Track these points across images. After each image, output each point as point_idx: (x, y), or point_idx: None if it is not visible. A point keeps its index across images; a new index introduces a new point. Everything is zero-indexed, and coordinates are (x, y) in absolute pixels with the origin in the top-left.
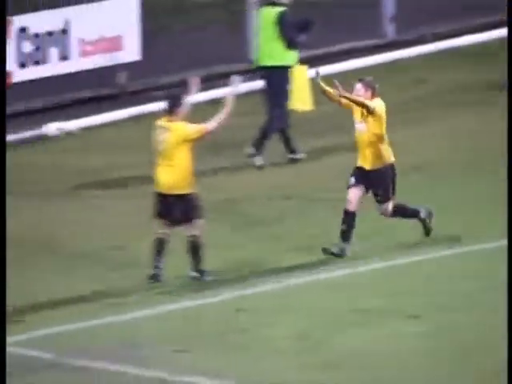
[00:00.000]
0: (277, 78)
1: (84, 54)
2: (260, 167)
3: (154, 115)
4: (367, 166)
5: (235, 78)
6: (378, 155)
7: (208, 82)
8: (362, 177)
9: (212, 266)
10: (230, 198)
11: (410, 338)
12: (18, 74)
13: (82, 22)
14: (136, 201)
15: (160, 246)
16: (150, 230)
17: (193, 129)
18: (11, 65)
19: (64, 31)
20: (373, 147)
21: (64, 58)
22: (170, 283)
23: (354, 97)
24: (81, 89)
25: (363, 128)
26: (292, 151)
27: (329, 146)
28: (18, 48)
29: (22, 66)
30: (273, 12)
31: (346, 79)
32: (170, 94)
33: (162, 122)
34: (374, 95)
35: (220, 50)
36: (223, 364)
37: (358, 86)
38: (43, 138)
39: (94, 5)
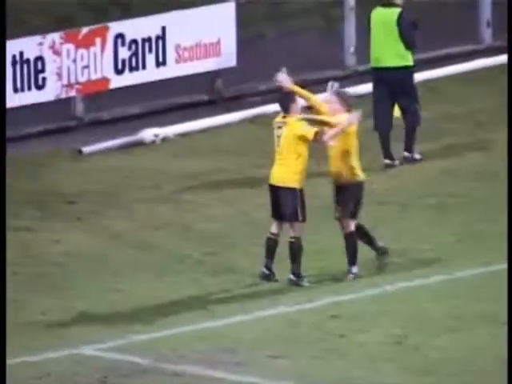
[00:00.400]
0: (404, 78)
1: (180, 60)
2: (420, 159)
3: (250, 121)
4: (339, 182)
5: (333, 84)
6: (349, 171)
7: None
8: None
9: (310, 271)
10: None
11: (504, 346)
12: (115, 81)
13: (178, 28)
14: (232, 206)
15: (269, 247)
16: (245, 236)
17: (309, 130)
18: (108, 71)
19: (160, 37)
20: (344, 162)
21: (160, 64)
22: (266, 288)
23: (314, 117)
24: (177, 95)
25: (334, 143)
26: (389, 157)
27: (423, 152)
28: (115, 54)
29: (119, 72)
30: (388, 13)
31: (444, 85)
32: (280, 95)
33: (279, 118)
34: (349, 109)
35: (315, 56)
36: (318, 370)
37: (333, 98)
38: (140, 144)
39: (191, 11)
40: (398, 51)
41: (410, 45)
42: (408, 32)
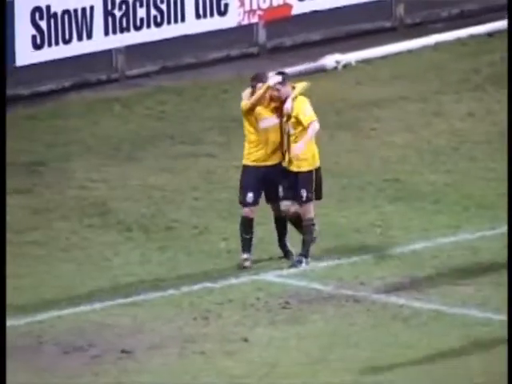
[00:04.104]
0: None
1: None
2: None
3: (431, 48)
4: None
5: None
6: None
7: (460, 20)
8: None
9: (489, 197)
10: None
11: None
12: (297, 7)
13: None
14: (414, 133)
15: None
16: (427, 163)
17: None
18: None
19: None
20: None
21: None
22: (447, 215)
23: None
24: (359, 21)
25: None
26: None
27: None
28: None
29: None
30: None
31: None
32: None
33: None
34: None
35: None
36: (502, 297)
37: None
38: (321, 70)
39: None
40: None
41: None
42: None
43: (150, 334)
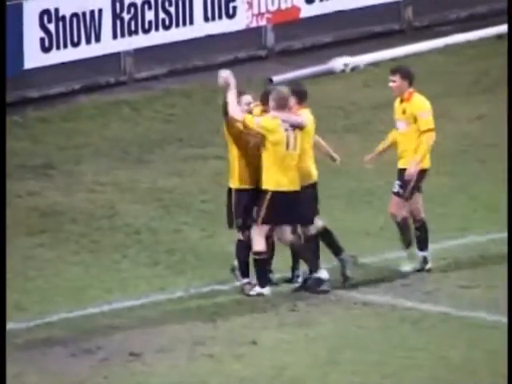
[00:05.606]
0: None
1: None
2: None
3: (440, 51)
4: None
5: None
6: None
7: (469, 23)
8: None
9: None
10: None
11: None
12: (305, 10)
13: None
14: None
15: None
16: (434, 166)
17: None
18: (299, 0)
19: None
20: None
21: None
22: (456, 217)
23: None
24: (367, 24)
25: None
26: None
27: None
28: None
29: (310, 1)
30: None
31: None
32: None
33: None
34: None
35: None
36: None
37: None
38: (330, 73)
39: None
40: None
41: None
42: None
43: (158, 337)
